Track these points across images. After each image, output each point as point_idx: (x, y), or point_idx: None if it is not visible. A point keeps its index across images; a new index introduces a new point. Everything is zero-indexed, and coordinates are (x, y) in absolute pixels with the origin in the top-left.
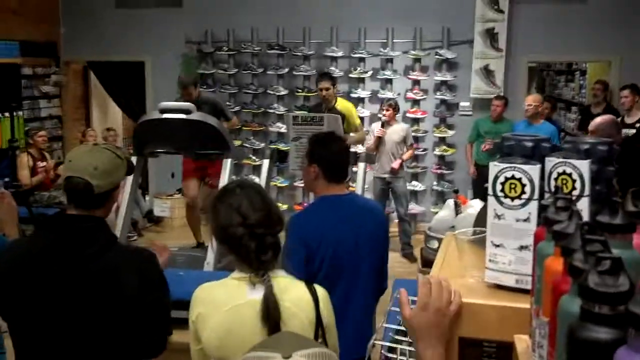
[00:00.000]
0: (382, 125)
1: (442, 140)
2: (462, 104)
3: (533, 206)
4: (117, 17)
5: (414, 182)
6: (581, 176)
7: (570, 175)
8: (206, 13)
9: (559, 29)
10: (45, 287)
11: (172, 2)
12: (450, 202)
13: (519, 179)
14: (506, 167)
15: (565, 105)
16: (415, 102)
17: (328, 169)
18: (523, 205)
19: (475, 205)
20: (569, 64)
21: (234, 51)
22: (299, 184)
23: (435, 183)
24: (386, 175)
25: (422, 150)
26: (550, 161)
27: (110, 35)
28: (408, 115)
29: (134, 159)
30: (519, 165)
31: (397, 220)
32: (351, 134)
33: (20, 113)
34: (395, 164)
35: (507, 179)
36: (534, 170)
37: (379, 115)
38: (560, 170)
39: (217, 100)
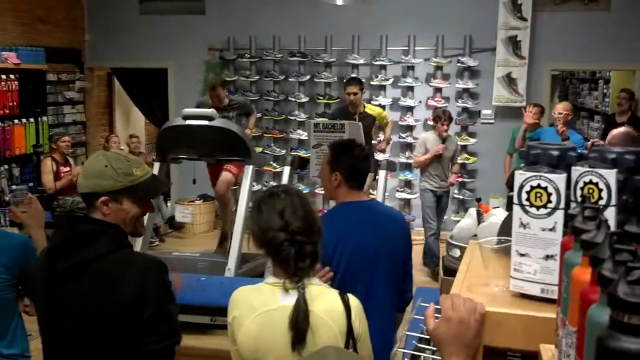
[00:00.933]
0: (443, 142)
1: (464, 148)
2: (484, 112)
3: (559, 215)
4: (140, 24)
5: None
6: (608, 185)
7: (596, 184)
8: (229, 20)
9: (582, 37)
10: (51, 291)
11: (195, 9)
12: (473, 211)
13: (545, 188)
14: (532, 176)
15: (588, 114)
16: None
17: (350, 175)
18: (549, 214)
19: (498, 213)
20: (593, 72)
21: (256, 58)
22: (320, 190)
23: (456, 191)
24: (439, 190)
25: None
26: (577, 170)
27: (133, 42)
28: (429, 123)
29: (156, 165)
30: (544, 174)
31: (430, 233)
32: (387, 131)
33: (45, 118)
34: (452, 179)
35: (532, 187)
36: (559, 179)
37: (433, 123)
38: (586, 179)
39: (248, 103)
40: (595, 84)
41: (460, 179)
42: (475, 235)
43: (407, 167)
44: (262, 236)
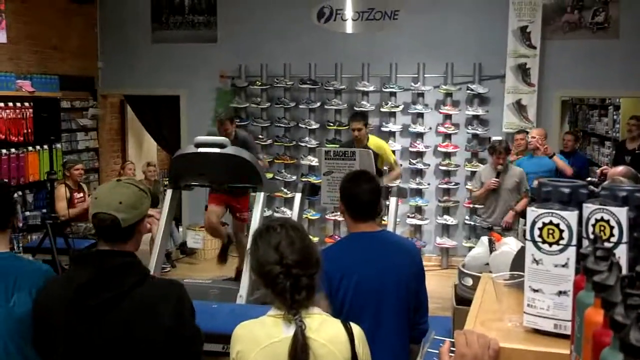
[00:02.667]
0: (498, 175)
1: (474, 174)
2: (494, 138)
3: (571, 252)
4: (153, 52)
5: (445, 216)
6: (619, 223)
7: (608, 222)
8: (240, 48)
9: (592, 64)
10: (81, 326)
11: (207, 38)
12: (485, 239)
13: (557, 225)
14: (544, 213)
15: (598, 140)
16: (447, 137)
17: (351, 206)
18: (561, 250)
19: (510, 243)
20: (602, 98)
21: (267, 85)
22: (330, 216)
23: (467, 217)
24: (497, 228)
25: (454, 185)
26: (588, 207)
27: (146, 69)
28: (439, 149)
29: (169, 192)
30: (556, 211)
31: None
32: (390, 173)
33: (59, 146)
34: (509, 217)
35: (544, 224)
36: (571, 216)
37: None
38: (598, 216)
39: (250, 140)
40: (605, 110)
41: (512, 220)
42: (487, 264)
43: (418, 193)
44: (259, 269)
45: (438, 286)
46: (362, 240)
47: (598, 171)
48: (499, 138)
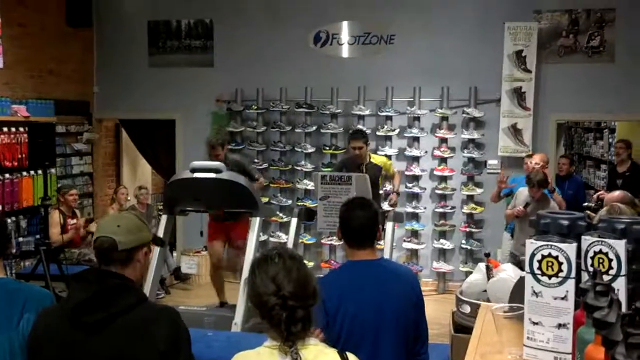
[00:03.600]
0: (526, 205)
1: (471, 198)
2: (490, 162)
3: (570, 284)
4: (150, 76)
5: (442, 240)
6: (617, 256)
7: (606, 254)
8: (237, 73)
9: (587, 88)
10: (76, 343)
11: (204, 62)
12: (482, 266)
13: (556, 257)
14: (543, 245)
15: (594, 163)
16: (443, 160)
17: (347, 234)
18: (560, 283)
19: (508, 269)
20: (598, 121)
21: (263, 109)
22: (326, 241)
23: (463, 241)
24: (517, 253)
25: (451, 209)
26: (586, 240)
27: (142, 93)
28: (435, 173)
29: (164, 218)
30: (555, 243)
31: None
32: (395, 182)
33: (53, 171)
34: None
35: (543, 256)
36: (570, 248)
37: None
38: (596, 249)
39: (243, 161)
40: (601, 133)
41: None
42: (485, 291)
43: (414, 217)
44: (255, 300)
45: (435, 311)
46: (359, 269)
47: (594, 196)
48: (494, 161)
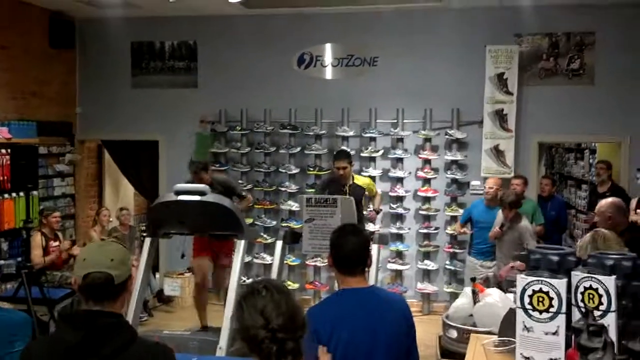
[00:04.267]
0: (502, 226)
1: (454, 218)
2: (473, 182)
3: (561, 319)
4: (133, 98)
5: (426, 261)
6: (607, 292)
7: (596, 290)
8: (221, 94)
9: (568, 110)
10: None
11: (187, 83)
12: (468, 290)
13: (547, 293)
14: (533, 281)
15: (575, 183)
16: (426, 181)
17: (337, 260)
18: (551, 318)
19: (494, 294)
20: (578, 142)
21: (247, 130)
22: (310, 262)
23: (447, 262)
24: (485, 272)
25: (434, 229)
26: (576, 275)
27: (125, 114)
28: (419, 193)
29: (147, 240)
30: (546, 279)
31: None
32: (376, 201)
33: (35, 193)
34: (503, 271)
35: (534, 292)
36: (560, 284)
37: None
38: (586, 284)
39: (229, 180)
40: (581, 154)
41: (510, 274)
42: (471, 315)
43: (399, 237)
44: (244, 333)
45: (420, 332)
46: (351, 297)
47: (583, 218)
48: (477, 182)
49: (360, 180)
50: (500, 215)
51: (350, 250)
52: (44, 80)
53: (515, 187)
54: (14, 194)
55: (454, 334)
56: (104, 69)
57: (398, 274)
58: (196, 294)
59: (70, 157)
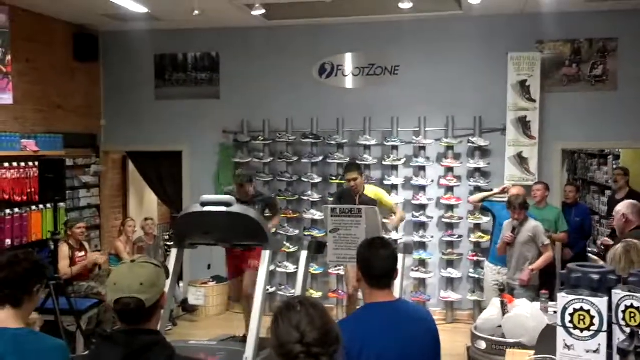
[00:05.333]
0: (513, 230)
1: (477, 226)
2: (496, 190)
3: (602, 338)
4: (156, 109)
5: (449, 269)
6: None
7: (638, 309)
8: (243, 104)
9: (591, 116)
10: None
11: (210, 94)
12: (497, 301)
13: (588, 311)
14: (575, 299)
15: (598, 189)
16: (449, 189)
17: (367, 274)
18: (592, 336)
19: (522, 304)
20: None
21: (269, 140)
22: (334, 271)
23: (471, 270)
24: (514, 283)
25: (458, 237)
26: (617, 294)
27: (149, 126)
28: (442, 201)
29: (174, 251)
30: (587, 297)
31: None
32: (391, 218)
33: (62, 204)
34: (524, 276)
35: (575, 310)
36: (602, 302)
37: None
38: (627, 303)
39: (273, 198)
40: (605, 159)
41: (528, 278)
42: (500, 326)
43: (422, 246)
44: (279, 349)
45: (444, 342)
46: (379, 311)
47: (599, 243)
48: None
49: (372, 193)
50: (506, 226)
51: (380, 264)
52: (68, 93)
53: (537, 192)
54: (41, 206)
55: (482, 345)
56: (127, 81)
57: (421, 282)
58: (244, 303)
59: (96, 168)
